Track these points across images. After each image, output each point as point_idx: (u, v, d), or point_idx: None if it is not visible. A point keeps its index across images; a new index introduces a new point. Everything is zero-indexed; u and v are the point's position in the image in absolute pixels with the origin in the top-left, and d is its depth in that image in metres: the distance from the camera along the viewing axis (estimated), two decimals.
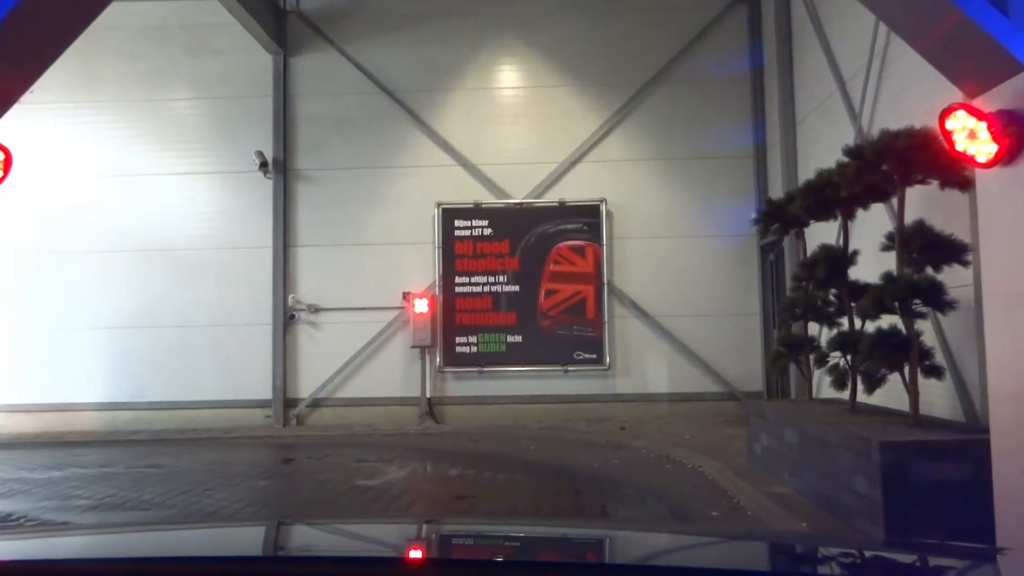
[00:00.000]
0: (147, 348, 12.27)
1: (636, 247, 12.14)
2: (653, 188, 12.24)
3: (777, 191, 10.41)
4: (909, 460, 4.57)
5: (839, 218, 6.57)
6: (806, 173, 9.76)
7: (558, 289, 12.08)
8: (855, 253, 6.41)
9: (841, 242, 6.64)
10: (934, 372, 5.30)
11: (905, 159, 4.92)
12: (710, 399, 11.79)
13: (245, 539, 1.96)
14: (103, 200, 12.53)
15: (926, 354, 5.29)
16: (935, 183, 5.37)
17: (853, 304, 6.25)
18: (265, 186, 12.37)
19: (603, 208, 12.07)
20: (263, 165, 12.14)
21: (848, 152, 5.47)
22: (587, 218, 12.10)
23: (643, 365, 12.01)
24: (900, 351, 5.09)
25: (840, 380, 6.09)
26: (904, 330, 5.17)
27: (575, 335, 11.96)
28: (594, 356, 11.91)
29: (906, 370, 5.20)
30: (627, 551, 1.90)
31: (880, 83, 8.15)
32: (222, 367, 12.19)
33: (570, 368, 11.91)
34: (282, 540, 1.92)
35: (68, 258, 12.46)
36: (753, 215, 11.78)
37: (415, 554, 1.78)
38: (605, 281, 12.02)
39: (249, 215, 12.45)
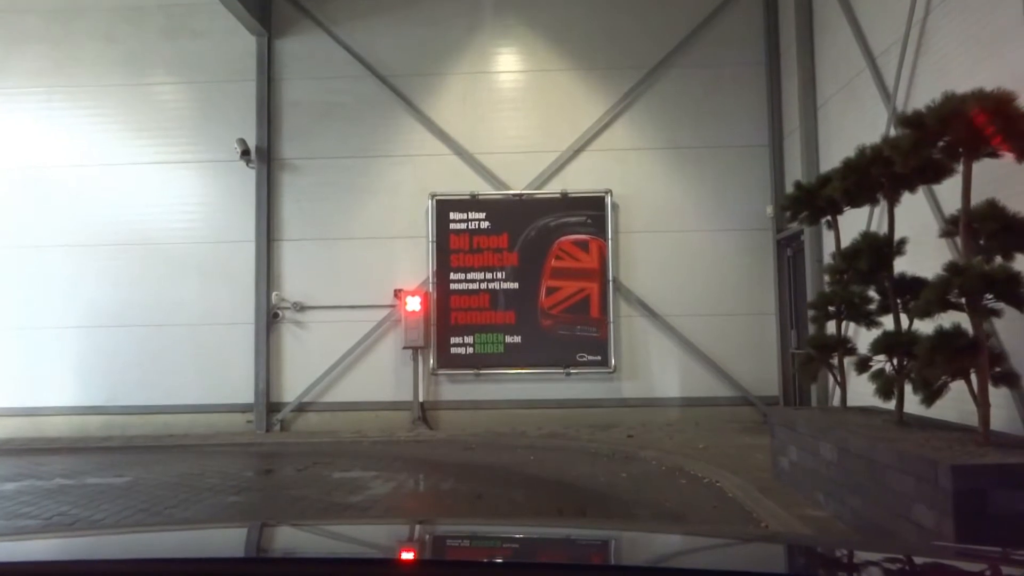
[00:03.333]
0: (121, 348, 11.56)
1: (643, 241, 11.38)
2: (662, 179, 11.47)
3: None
4: (988, 487, 3.78)
5: (881, 202, 5.77)
6: (828, 162, 9.00)
7: (560, 286, 11.32)
8: (902, 242, 5.60)
9: (882, 230, 5.86)
10: (1006, 380, 4.50)
11: (976, 127, 4.12)
12: (723, 404, 11.08)
13: (234, 540, 1.90)
14: (75, 191, 11.84)
15: (996, 358, 4.49)
16: (1000, 158, 4.61)
17: (899, 300, 5.46)
18: (248, 176, 11.62)
19: (608, 200, 11.31)
20: (245, 153, 11.40)
21: (904, 121, 4.65)
22: (591, 210, 11.34)
23: (651, 367, 11.26)
24: (967, 355, 4.28)
25: (886, 388, 5.27)
26: (972, 330, 4.36)
27: (578, 335, 11.21)
28: (598, 358, 11.16)
29: (973, 377, 4.39)
30: (633, 552, 1.82)
31: (918, 57, 7.37)
32: (201, 369, 11.48)
33: (573, 371, 11.15)
34: (276, 542, 1.87)
35: (37, 252, 11.75)
36: (769, 207, 11.06)
37: (407, 555, 1.68)
38: (610, 278, 11.26)
39: (230, 207, 11.69)
